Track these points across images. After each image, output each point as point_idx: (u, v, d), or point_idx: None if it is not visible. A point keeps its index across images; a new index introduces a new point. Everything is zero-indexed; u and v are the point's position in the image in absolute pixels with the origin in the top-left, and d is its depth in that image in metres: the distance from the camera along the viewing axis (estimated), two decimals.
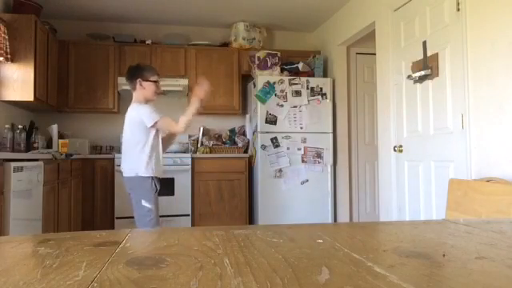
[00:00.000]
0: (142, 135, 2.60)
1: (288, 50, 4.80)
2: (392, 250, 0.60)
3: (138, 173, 2.60)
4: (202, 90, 2.63)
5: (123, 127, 2.74)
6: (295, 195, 4.23)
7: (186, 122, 2.58)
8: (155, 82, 2.72)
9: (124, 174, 2.69)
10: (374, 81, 3.88)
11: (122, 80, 4.37)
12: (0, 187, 2.19)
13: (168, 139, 2.89)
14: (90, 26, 4.61)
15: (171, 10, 4.40)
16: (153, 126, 2.59)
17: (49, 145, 3.98)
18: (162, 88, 4.43)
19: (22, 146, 3.49)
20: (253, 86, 4.39)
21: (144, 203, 2.60)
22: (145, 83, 2.68)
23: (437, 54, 2.78)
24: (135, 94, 2.72)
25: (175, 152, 4.47)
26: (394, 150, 3.30)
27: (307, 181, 4.27)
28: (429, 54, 2.86)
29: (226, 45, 4.75)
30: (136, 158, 2.61)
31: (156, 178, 2.66)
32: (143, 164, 2.59)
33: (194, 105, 2.59)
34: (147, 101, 2.70)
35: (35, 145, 3.70)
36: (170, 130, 2.71)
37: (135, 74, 2.70)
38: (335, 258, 0.53)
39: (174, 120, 2.63)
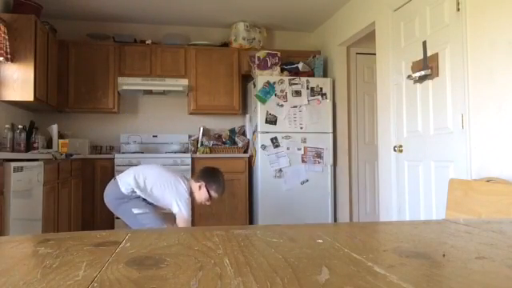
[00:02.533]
0: (158, 197, 2.63)
1: (288, 50, 4.80)
2: (392, 250, 0.60)
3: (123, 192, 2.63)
4: None
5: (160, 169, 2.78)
6: (295, 195, 4.23)
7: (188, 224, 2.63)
8: (210, 196, 2.74)
9: (120, 184, 2.65)
10: (374, 81, 3.88)
11: (121, 80, 4.39)
12: (0, 187, 2.19)
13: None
14: (89, 26, 4.61)
15: (171, 10, 4.40)
16: (173, 210, 2.62)
17: (49, 145, 3.98)
18: (163, 88, 4.50)
19: (22, 145, 3.49)
20: (253, 86, 4.39)
21: (136, 211, 2.59)
22: (204, 189, 2.70)
23: (437, 53, 2.78)
24: (193, 184, 2.73)
25: (175, 152, 4.47)
26: (394, 150, 3.30)
27: (307, 181, 4.27)
28: (429, 54, 2.86)
29: (226, 45, 4.75)
30: (133, 193, 2.63)
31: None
32: (130, 194, 2.63)
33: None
34: (192, 198, 2.71)
35: (35, 145, 3.70)
36: (179, 223, 2.67)
37: (207, 176, 2.74)
38: (335, 258, 0.53)
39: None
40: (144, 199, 2.64)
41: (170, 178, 2.68)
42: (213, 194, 2.73)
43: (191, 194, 2.70)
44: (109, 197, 2.71)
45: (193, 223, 4.19)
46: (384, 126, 3.49)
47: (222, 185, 2.77)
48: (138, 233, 0.71)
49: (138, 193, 2.61)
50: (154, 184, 2.63)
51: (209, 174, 2.76)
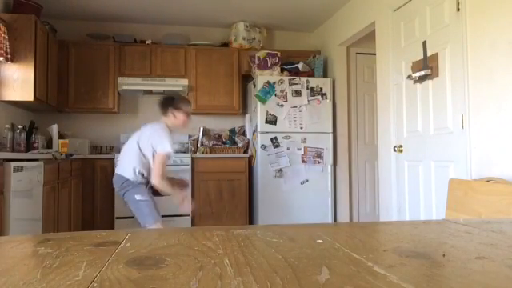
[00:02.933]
0: (145, 152, 2.71)
1: (288, 49, 4.80)
2: (392, 249, 0.60)
3: (128, 178, 2.71)
4: (186, 206, 2.98)
5: (135, 134, 2.83)
6: (295, 195, 4.23)
7: (161, 186, 2.67)
8: (187, 113, 2.83)
9: (117, 171, 2.78)
10: (374, 81, 3.88)
11: (121, 80, 4.39)
12: (0, 187, 2.19)
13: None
14: (89, 26, 4.61)
15: (171, 10, 4.40)
16: (156, 153, 2.67)
17: (49, 145, 3.98)
18: (163, 88, 4.50)
19: (22, 145, 3.49)
20: (253, 86, 4.39)
21: (139, 197, 2.68)
22: (177, 112, 2.79)
23: (437, 53, 2.78)
24: (165, 119, 2.81)
25: (175, 152, 4.47)
26: (394, 150, 3.30)
27: (307, 181, 4.27)
28: (429, 54, 2.86)
29: (226, 45, 4.75)
30: (130, 168, 2.71)
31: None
32: (136, 178, 2.71)
33: (176, 196, 2.82)
34: (174, 129, 2.82)
35: (35, 145, 3.70)
36: (154, 169, 2.69)
37: (169, 103, 2.82)
38: (335, 258, 0.53)
39: (164, 168, 2.72)
40: (147, 186, 2.74)
41: (141, 136, 2.76)
42: (185, 109, 2.82)
43: (172, 128, 2.79)
44: (115, 184, 2.82)
45: (193, 223, 4.20)
46: (384, 126, 3.49)
47: (183, 97, 2.97)
48: (138, 233, 0.71)
49: (139, 168, 2.70)
50: (132, 149, 2.75)
51: (168, 101, 2.83)
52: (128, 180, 2.71)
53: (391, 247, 0.62)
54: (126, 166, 2.74)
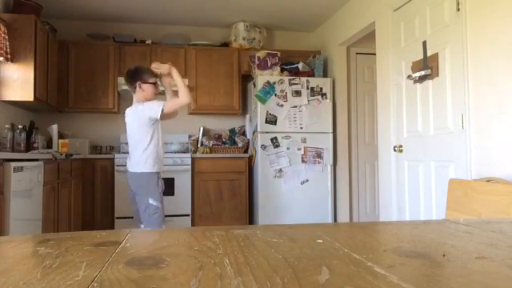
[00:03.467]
0: (146, 132, 2.71)
1: (288, 49, 4.80)
2: (392, 250, 0.60)
3: (143, 169, 2.70)
4: (163, 68, 2.84)
5: (126, 127, 2.84)
6: (295, 195, 4.23)
7: (183, 89, 2.73)
8: (154, 83, 2.82)
9: (130, 170, 2.77)
10: (374, 81, 3.88)
11: (122, 80, 4.37)
12: (0, 187, 2.19)
13: (173, 115, 2.97)
14: (90, 26, 4.61)
15: (171, 10, 4.40)
16: (162, 115, 2.68)
17: (49, 145, 3.98)
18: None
19: (22, 145, 3.49)
20: (253, 85, 4.39)
21: (151, 202, 2.68)
22: (144, 85, 2.77)
23: (437, 53, 2.78)
24: (135, 96, 2.82)
25: (175, 152, 4.47)
26: (394, 150, 3.30)
27: (307, 181, 4.27)
28: (429, 54, 2.86)
29: (226, 45, 4.75)
30: (141, 155, 2.70)
31: (159, 175, 2.78)
32: (149, 161, 2.70)
33: (176, 75, 2.78)
34: (146, 101, 2.77)
35: (35, 145, 3.70)
36: (178, 105, 2.80)
37: (134, 76, 2.79)
38: (335, 257, 0.53)
39: (172, 98, 2.84)
40: (160, 191, 2.75)
41: (131, 124, 2.78)
42: (151, 80, 2.79)
43: (145, 101, 2.74)
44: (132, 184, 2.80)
45: (193, 223, 4.20)
46: (384, 126, 3.49)
47: (146, 67, 2.88)
48: (138, 233, 0.71)
49: (148, 149, 2.71)
50: (133, 138, 2.77)
51: (131, 75, 2.81)
52: (142, 176, 2.69)
53: (391, 247, 0.62)
54: (137, 158, 2.72)
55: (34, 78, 3.44)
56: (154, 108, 2.67)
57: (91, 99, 4.35)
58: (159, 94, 2.94)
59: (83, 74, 4.33)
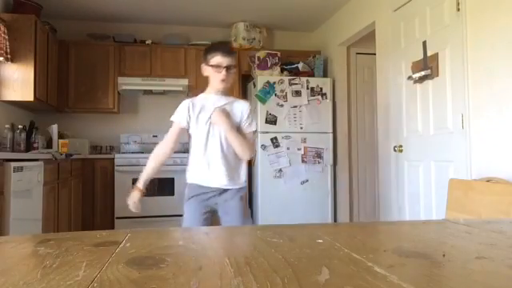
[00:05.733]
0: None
1: (288, 50, 4.79)
2: (392, 250, 0.60)
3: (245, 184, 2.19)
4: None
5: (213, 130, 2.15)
6: (295, 195, 4.23)
7: (239, 147, 2.11)
8: (216, 66, 1.96)
9: (237, 186, 2.16)
10: (373, 81, 3.88)
11: (122, 80, 4.38)
12: (0, 187, 2.18)
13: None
14: (90, 26, 4.61)
15: (171, 10, 4.40)
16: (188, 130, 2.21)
17: (49, 145, 3.98)
18: (163, 88, 4.50)
19: (22, 146, 3.49)
20: (253, 86, 4.39)
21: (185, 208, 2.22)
22: (206, 68, 2.02)
23: (437, 54, 2.78)
24: (227, 81, 2.03)
25: (175, 152, 4.46)
26: (394, 150, 3.30)
27: (307, 181, 4.27)
28: (429, 54, 2.86)
29: None
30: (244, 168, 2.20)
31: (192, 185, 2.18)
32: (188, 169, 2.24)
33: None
34: (215, 90, 2.03)
35: (35, 145, 3.70)
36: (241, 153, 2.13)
37: (203, 60, 2.05)
38: (335, 257, 0.53)
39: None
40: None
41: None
42: (213, 61, 1.95)
43: (210, 90, 2.06)
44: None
45: None
46: (384, 126, 3.49)
47: (215, 44, 2.11)
48: (138, 233, 0.71)
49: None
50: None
51: (203, 58, 2.04)
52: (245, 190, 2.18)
53: (391, 247, 0.62)
54: (244, 171, 2.19)
55: (34, 77, 3.44)
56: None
57: (91, 99, 4.35)
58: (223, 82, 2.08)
59: (83, 73, 4.33)
